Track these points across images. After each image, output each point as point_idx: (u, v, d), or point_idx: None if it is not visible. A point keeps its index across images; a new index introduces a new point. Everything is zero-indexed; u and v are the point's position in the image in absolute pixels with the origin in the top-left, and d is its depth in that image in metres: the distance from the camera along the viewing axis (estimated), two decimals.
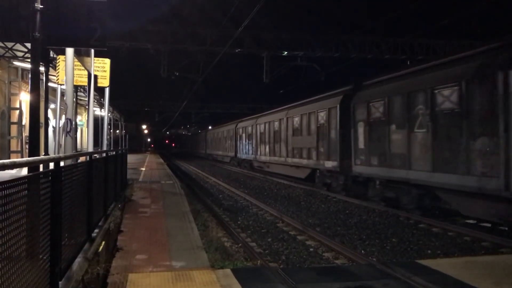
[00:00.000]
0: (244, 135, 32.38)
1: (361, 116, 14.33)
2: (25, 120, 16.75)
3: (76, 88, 13.62)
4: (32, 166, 4.56)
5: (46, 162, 4.07)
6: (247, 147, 31.36)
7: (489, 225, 10.07)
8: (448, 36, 24.29)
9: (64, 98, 7.26)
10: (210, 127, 61.39)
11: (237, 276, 5.16)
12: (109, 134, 19.63)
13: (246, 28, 17.52)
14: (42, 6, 5.62)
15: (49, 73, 11.44)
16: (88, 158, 6.07)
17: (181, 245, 6.82)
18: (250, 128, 30.28)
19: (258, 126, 27.90)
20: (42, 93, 9.23)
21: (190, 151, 79.10)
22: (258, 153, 27.74)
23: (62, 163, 4.15)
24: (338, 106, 15.90)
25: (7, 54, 14.46)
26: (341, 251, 8.15)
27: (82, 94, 18.54)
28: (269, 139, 24.85)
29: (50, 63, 11.42)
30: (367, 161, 13.85)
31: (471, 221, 10.67)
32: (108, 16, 6.76)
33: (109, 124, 19.04)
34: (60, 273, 3.78)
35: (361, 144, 14.32)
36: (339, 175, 16.05)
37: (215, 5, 26.76)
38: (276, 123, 23.56)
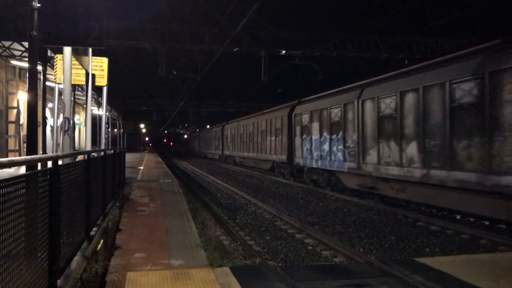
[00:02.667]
0: (348, 121, 15.19)
1: None
2: (23, 119, 16.72)
3: (74, 87, 13.59)
4: (30, 165, 4.57)
5: (44, 161, 4.07)
6: (348, 143, 15.08)
7: (487, 223, 10.11)
8: (447, 35, 24.32)
9: (62, 97, 7.25)
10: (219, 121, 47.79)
11: (236, 275, 5.17)
12: (107, 133, 19.61)
13: (244, 27, 17.51)
14: (39, 5, 5.61)
15: (47, 72, 11.46)
16: (86, 157, 6.06)
17: (180, 243, 6.82)
18: (370, 104, 13.69)
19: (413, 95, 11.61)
20: (40, 92, 9.23)
21: (197, 152, 65.51)
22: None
23: (60, 162, 4.15)
24: None
25: (4, 53, 14.43)
26: (339, 249, 8.16)
27: (80, 93, 18.49)
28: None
29: (48, 62, 11.40)
30: None
31: (471, 219, 10.70)
32: (106, 15, 6.75)
33: (107, 123, 19.03)
34: (59, 271, 3.78)
35: None
36: None
37: (213, 4, 26.76)
38: None
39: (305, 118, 19.22)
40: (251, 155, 29.46)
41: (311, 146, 18.34)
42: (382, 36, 24.06)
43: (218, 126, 46.91)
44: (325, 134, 16.98)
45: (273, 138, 23.95)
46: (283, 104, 23.75)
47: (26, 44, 11.61)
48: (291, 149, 20.86)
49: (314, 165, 17.96)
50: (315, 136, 17.93)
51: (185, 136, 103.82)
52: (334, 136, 16.20)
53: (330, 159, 16.33)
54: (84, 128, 19.38)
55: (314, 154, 17.96)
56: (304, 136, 19.26)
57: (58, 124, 10.07)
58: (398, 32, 24.12)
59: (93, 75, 9.53)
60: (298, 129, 20.07)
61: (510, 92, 8.66)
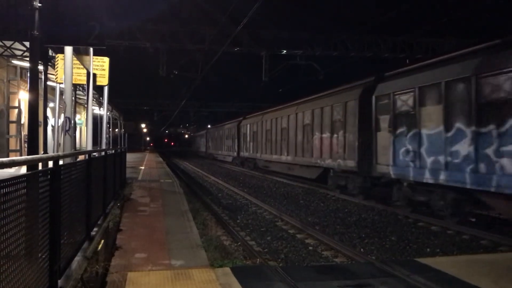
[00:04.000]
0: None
1: None
2: (24, 119, 16.73)
3: (75, 86, 13.61)
4: (31, 165, 4.57)
5: (45, 161, 4.07)
6: None
7: (487, 223, 10.10)
8: (448, 35, 24.32)
9: (63, 96, 7.25)
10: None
11: (236, 275, 5.16)
12: (108, 133, 19.62)
13: (245, 27, 17.53)
14: (40, 5, 5.62)
15: (48, 71, 11.46)
16: (87, 157, 6.07)
17: (180, 243, 6.81)
18: None
19: None
20: (41, 91, 9.23)
21: (204, 153, 57.19)
22: None
23: (61, 162, 4.15)
24: None
25: (5, 53, 14.44)
26: (340, 250, 8.16)
27: (81, 92, 18.51)
28: None
29: (49, 62, 11.41)
30: None
31: (472, 220, 10.68)
32: (107, 15, 6.76)
33: (108, 123, 19.04)
34: (59, 272, 3.78)
35: None
36: None
37: (214, 4, 26.77)
38: None
39: (404, 100, 12.13)
40: (285, 158, 22.21)
41: (419, 146, 11.31)
42: (383, 36, 24.07)
43: (232, 122, 38.83)
44: (458, 125, 10.05)
45: (326, 134, 17.06)
46: (346, 85, 16.67)
47: (27, 43, 11.64)
48: (367, 151, 13.91)
49: (427, 179, 10.90)
50: (431, 130, 10.95)
51: (186, 136, 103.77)
52: (488, 129, 9.31)
53: (474, 170, 9.46)
54: (85, 128, 19.40)
55: (427, 160, 10.97)
56: (400, 130, 12.17)
57: (59, 124, 10.08)
58: (398, 32, 24.16)
59: (94, 75, 9.53)
60: (384, 119, 13.01)
61: None
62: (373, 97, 13.63)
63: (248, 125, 31.11)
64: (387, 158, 12.74)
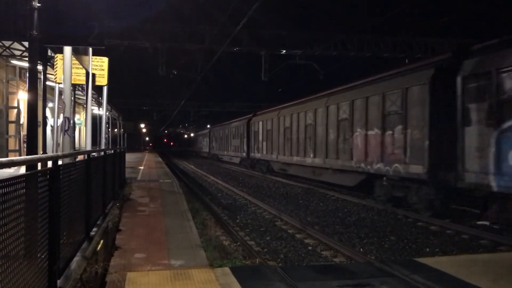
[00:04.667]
0: None
1: None
2: (23, 119, 16.71)
3: (74, 86, 13.60)
4: (30, 165, 4.57)
5: (44, 161, 4.07)
6: None
7: (487, 223, 10.09)
8: (447, 35, 24.36)
9: (62, 96, 7.25)
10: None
11: (236, 275, 5.16)
12: (107, 133, 19.61)
13: (245, 27, 17.52)
14: (39, 5, 5.62)
15: (47, 71, 11.46)
16: (86, 157, 6.06)
17: (180, 243, 6.81)
18: None
19: None
20: (40, 92, 9.22)
21: (207, 154, 53.18)
22: None
23: (60, 162, 4.14)
24: None
25: (4, 53, 14.42)
26: (339, 249, 8.15)
27: (80, 92, 18.49)
28: None
29: (48, 62, 11.41)
30: None
31: (472, 220, 10.68)
32: (106, 15, 6.76)
33: (107, 123, 19.03)
34: (59, 272, 3.78)
35: None
36: None
37: (213, 4, 26.75)
38: None
39: None
40: (310, 160, 18.57)
41: None
42: (383, 36, 24.08)
43: (240, 120, 35.44)
44: None
45: (374, 131, 13.54)
46: (404, 67, 13.48)
47: (26, 43, 11.63)
48: (445, 153, 10.65)
49: None
50: None
51: (185, 136, 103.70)
52: None
53: None
54: (84, 128, 19.38)
55: None
56: (510, 123, 8.91)
57: (58, 124, 10.08)
58: (398, 32, 24.17)
59: (93, 75, 9.53)
60: (479, 108, 9.57)
61: None
62: (458, 79, 10.05)
63: (261, 123, 27.28)
64: (484, 163, 9.30)
